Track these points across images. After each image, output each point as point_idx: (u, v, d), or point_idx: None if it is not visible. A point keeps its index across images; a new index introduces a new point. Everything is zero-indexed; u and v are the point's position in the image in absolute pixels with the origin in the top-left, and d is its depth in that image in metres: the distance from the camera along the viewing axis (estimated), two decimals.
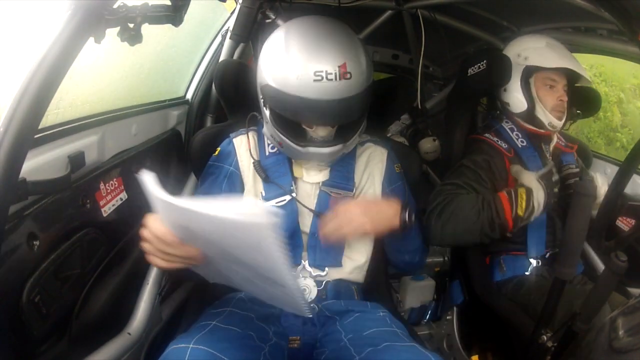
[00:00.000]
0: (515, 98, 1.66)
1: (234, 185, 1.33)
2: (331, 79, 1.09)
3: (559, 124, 1.65)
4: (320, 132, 1.21)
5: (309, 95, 1.10)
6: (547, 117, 1.63)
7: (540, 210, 1.39)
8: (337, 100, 1.11)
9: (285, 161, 1.34)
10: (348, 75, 1.11)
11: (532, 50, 1.63)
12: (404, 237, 1.30)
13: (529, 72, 1.63)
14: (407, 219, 1.22)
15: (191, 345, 0.94)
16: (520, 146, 1.65)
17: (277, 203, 1.29)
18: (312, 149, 1.21)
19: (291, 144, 1.21)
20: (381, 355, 1.04)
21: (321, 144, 1.21)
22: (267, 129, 1.29)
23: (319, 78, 1.09)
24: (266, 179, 1.30)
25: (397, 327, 1.20)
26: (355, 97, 1.13)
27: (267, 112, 1.23)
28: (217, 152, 1.37)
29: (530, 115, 1.65)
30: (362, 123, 1.27)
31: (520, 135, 1.67)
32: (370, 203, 1.28)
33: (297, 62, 1.11)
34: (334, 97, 1.10)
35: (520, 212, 1.36)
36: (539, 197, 1.38)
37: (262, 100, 1.24)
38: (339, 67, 1.10)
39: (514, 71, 1.65)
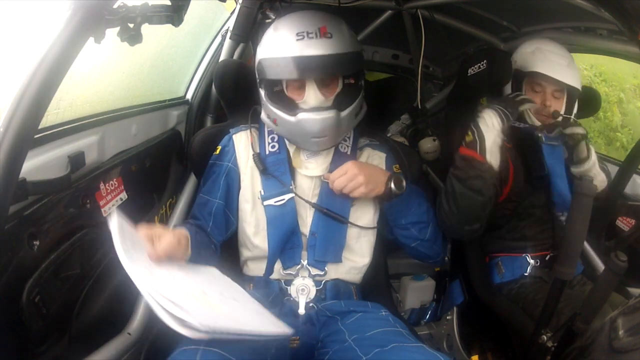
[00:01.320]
0: None
1: (233, 180, 1.34)
2: (312, 37, 1.20)
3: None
4: (311, 98, 1.23)
5: (293, 53, 1.20)
6: (532, 119, 1.62)
7: (496, 126, 1.38)
8: (319, 56, 1.19)
9: (285, 160, 1.34)
10: (329, 35, 1.21)
11: (521, 55, 1.66)
12: (401, 204, 1.33)
13: (518, 76, 1.64)
14: (392, 186, 1.27)
15: (202, 348, 0.94)
16: (521, 127, 1.61)
17: (275, 202, 1.29)
18: (303, 115, 1.22)
19: (284, 115, 1.24)
20: (390, 355, 1.04)
21: (314, 110, 1.23)
22: (264, 111, 1.33)
23: (301, 37, 1.20)
24: (264, 171, 1.31)
25: (400, 327, 1.20)
26: (337, 56, 1.21)
27: (262, 93, 1.29)
28: (217, 151, 1.38)
29: (521, 116, 1.66)
30: (357, 97, 1.29)
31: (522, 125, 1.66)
32: (364, 165, 1.32)
33: (283, 30, 1.24)
34: (316, 53, 1.19)
35: (467, 138, 1.40)
36: (487, 117, 1.40)
37: (258, 82, 1.29)
38: (319, 28, 1.21)
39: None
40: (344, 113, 1.25)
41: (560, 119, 1.60)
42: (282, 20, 1.28)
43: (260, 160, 1.33)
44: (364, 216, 1.36)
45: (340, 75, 1.28)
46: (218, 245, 1.34)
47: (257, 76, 1.30)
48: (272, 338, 0.95)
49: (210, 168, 1.37)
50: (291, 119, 1.23)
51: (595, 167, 1.60)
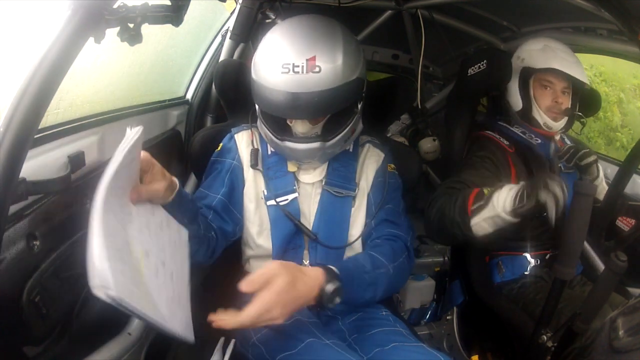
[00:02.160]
0: (514, 97, 1.69)
1: (237, 178, 1.33)
2: (297, 72, 1.10)
3: (554, 124, 1.65)
4: (298, 127, 1.21)
5: (277, 87, 1.12)
6: (542, 117, 1.64)
7: (499, 211, 1.15)
8: (303, 93, 1.10)
9: (287, 160, 1.34)
10: (317, 69, 1.10)
11: (528, 52, 1.67)
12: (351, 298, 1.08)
13: (526, 74, 1.65)
14: (329, 293, 0.99)
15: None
16: (535, 144, 1.66)
17: (278, 202, 1.29)
18: (288, 144, 1.21)
19: (272, 136, 1.23)
20: (390, 355, 1.04)
21: (299, 140, 1.21)
22: (258, 122, 1.31)
23: (286, 70, 1.10)
24: (254, 166, 1.31)
25: (400, 327, 1.20)
26: (325, 93, 1.11)
27: (257, 108, 1.27)
28: (219, 148, 1.38)
29: (527, 114, 1.67)
30: (347, 125, 1.23)
31: (533, 136, 1.67)
32: (277, 287, 0.95)
33: (271, 55, 1.15)
34: (300, 90, 1.10)
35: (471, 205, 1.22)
36: (500, 197, 1.17)
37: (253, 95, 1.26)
38: (307, 60, 1.10)
39: (514, 73, 1.67)
40: (330, 142, 1.22)
41: (567, 116, 1.65)
42: (273, 36, 1.20)
43: (256, 156, 1.32)
44: (364, 220, 1.35)
45: (324, 115, 1.21)
46: (222, 235, 1.25)
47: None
48: (171, 335, 0.83)
49: (212, 165, 1.37)
50: (278, 142, 1.23)
51: (602, 183, 1.76)
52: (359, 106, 1.26)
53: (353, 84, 1.18)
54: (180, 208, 1.03)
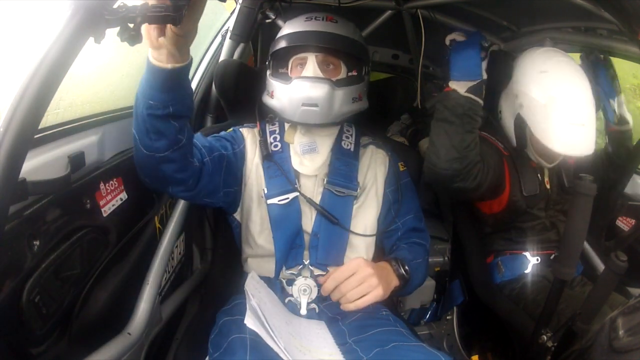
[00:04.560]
0: (509, 131, 1.64)
1: (233, 169, 1.32)
2: (318, 20, 1.34)
3: (548, 165, 1.62)
4: (308, 72, 1.27)
5: (300, 29, 1.33)
6: (537, 159, 1.61)
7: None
8: (321, 31, 1.31)
9: (288, 160, 1.34)
10: (334, 20, 1.35)
11: (529, 102, 1.49)
12: (408, 287, 1.27)
13: (523, 124, 1.54)
14: (404, 272, 1.22)
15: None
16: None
17: (279, 201, 1.29)
18: (297, 80, 1.26)
19: (281, 84, 1.28)
20: (390, 355, 1.04)
21: (309, 79, 1.26)
22: (266, 90, 1.37)
23: (309, 19, 1.35)
24: (267, 157, 1.33)
25: (400, 327, 1.20)
26: (339, 36, 1.31)
27: (268, 74, 1.34)
28: (229, 130, 1.41)
29: (520, 153, 1.63)
30: (357, 83, 1.32)
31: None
32: (376, 266, 1.19)
33: (294, 19, 1.38)
34: (319, 29, 1.32)
35: None
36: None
37: (269, 63, 1.38)
38: (326, 16, 1.36)
39: (509, 107, 1.61)
40: (339, 90, 1.27)
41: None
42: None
43: (266, 145, 1.34)
44: (365, 220, 1.36)
45: (340, 52, 1.32)
46: (195, 168, 1.18)
47: (269, 59, 1.37)
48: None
49: (223, 130, 1.42)
50: (286, 85, 1.27)
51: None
52: (366, 78, 1.37)
53: (363, 47, 1.39)
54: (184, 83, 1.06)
